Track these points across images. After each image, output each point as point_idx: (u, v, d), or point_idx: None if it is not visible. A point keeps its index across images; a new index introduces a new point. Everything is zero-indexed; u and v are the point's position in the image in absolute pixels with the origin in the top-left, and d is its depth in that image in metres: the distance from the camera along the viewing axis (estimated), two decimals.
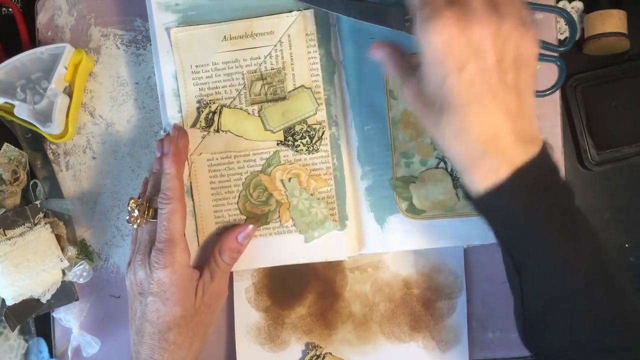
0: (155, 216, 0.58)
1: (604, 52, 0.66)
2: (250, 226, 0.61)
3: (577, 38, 0.66)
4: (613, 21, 0.64)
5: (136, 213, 0.59)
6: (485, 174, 0.46)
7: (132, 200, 0.59)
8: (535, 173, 0.46)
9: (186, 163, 0.62)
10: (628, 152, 0.67)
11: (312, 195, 0.62)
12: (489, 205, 0.47)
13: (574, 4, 0.67)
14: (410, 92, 0.49)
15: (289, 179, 0.61)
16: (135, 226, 0.59)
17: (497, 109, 0.45)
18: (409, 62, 0.51)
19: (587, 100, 0.67)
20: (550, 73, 0.59)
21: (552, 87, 0.58)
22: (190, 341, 0.58)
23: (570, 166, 0.67)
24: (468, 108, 0.45)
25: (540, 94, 0.59)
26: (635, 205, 0.68)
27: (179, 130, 0.61)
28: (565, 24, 0.65)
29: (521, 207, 0.46)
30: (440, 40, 0.44)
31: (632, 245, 0.68)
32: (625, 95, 0.67)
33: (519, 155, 0.45)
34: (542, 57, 0.59)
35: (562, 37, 0.67)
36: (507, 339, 0.67)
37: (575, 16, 0.66)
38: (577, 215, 0.48)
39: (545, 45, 0.58)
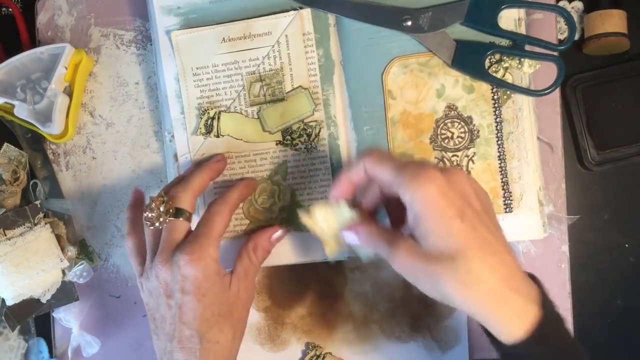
0: (177, 215, 0.55)
1: (604, 52, 0.66)
2: (282, 230, 0.61)
3: (577, 38, 0.66)
4: (613, 21, 0.64)
5: (162, 209, 0.55)
6: (519, 314, 0.45)
7: (155, 198, 0.55)
8: (552, 308, 0.47)
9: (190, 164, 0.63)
10: (628, 152, 0.67)
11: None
12: (530, 353, 0.46)
13: (574, 4, 0.67)
14: (406, 253, 0.47)
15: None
16: (157, 224, 0.55)
17: (502, 247, 0.46)
18: (388, 230, 0.51)
19: (587, 100, 0.67)
20: (550, 73, 0.59)
21: (552, 86, 0.58)
22: (232, 338, 0.55)
23: (570, 166, 0.67)
24: (479, 249, 0.45)
25: (539, 93, 0.59)
26: (635, 205, 0.68)
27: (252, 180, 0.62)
28: (565, 24, 0.65)
29: (556, 351, 0.46)
30: (436, 192, 0.45)
31: (632, 245, 0.68)
32: (625, 95, 0.67)
33: (532, 292, 0.46)
34: (542, 57, 0.59)
35: (562, 37, 0.66)
36: None
37: (575, 16, 0.66)
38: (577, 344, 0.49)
39: (545, 44, 0.58)
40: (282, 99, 0.61)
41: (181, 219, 0.55)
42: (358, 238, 0.52)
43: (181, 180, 0.58)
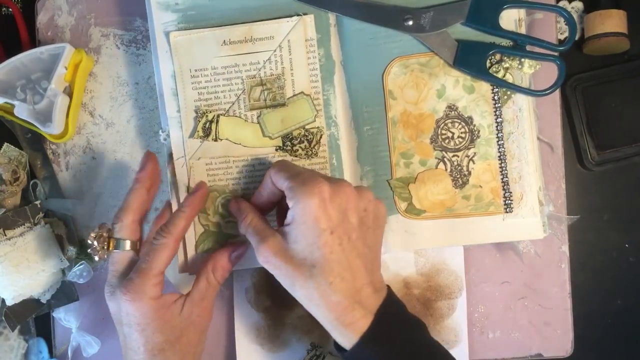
0: (117, 247, 0.56)
1: (604, 52, 0.66)
2: (244, 247, 0.60)
3: (577, 38, 0.66)
4: (613, 21, 0.64)
5: (95, 245, 0.56)
6: (356, 322, 0.50)
7: (92, 233, 0.56)
8: (390, 312, 0.52)
9: (185, 167, 0.61)
10: (628, 152, 0.67)
11: None
12: (362, 355, 0.50)
13: (574, 4, 0.68)
14: (271, 250, 0.51)
15: None
16: (96, 259, 0.57)
17: (360, 266, 0.51)
18: (264, 224, 0.54)
19: (587, 100, 0.67)
20: (550, 73, 0.59)
21: (552, 86, 0.58)
22: None
23: (571, 166, 0.67)
24: (337, 264, 0.50)
25: (540, 93, 0.59)
26: (635, 205, 0.68)
27: (203, 185, 0.61)
28: (565, 24, 0.65)
29: (389, 349, 0.50)
30: (317, 203, 0.49)
31: (632, 245, 0.68)
32: (625, 95, 0.67)
33: (376, 301, 0.51)
34: (542, 57, 0.59)
35: (562, 37, 0.67)
36: (507, 339, 0.67)
37: (575, 16, 0.66)
38: (434, 345, 0.53)
39: (544, 44, 0.58)
40: (283, 104, 0.61)
41: (120, 250, 0.56)
42: (235, 211, 0.58)
43: (127, 200, 0.58)
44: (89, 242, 0.56)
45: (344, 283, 0.50)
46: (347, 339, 0.50)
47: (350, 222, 0.51)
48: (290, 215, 0.51)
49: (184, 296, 0.57)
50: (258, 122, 0.61)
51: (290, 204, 0.51)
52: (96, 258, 0.56)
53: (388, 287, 0.54)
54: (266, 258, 0.51)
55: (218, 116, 0.61)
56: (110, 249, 0.57)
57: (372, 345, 0.50)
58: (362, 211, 0.52)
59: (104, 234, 0.57)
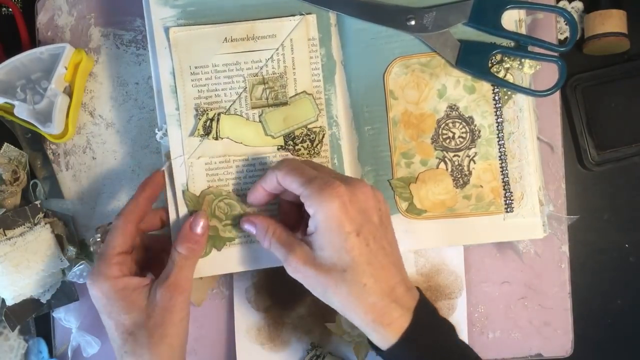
0: None
1: (604, 52, 0.67)
2: (201, 213, 0.59)
3: (577, 38, 0.66)
4: (613, 21, 0.64)
5: (99, 237, 0.60)
6: (395, 322, 0.50)
7: (100, 227, 0.60)
8: (424, 314, 0.52)
9: (183, 166, 0.61)
10: (628, 152, 0.67)
11: None
12: (401, 355, 0.50)
13: (574, 4, 0.68)
14: (300, 260, 0.51)
15: None
16: (98, 251, 0.59)
17: (391, 263, 0.51)
18: (291, 235, 0.54)
19: (587, 100, 0.67)
20: (550, 73, 0.59)
21: (553, 87, 0.58)
22: (150, 347, 0.54)
23: (570, 166, 0.67)
24: (369, 265, 0.50)
25: (540, 94, 0.59)
26: (635, 205, 0.68)
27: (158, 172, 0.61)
28: (566, 24, 0.65)
29: (424, 351, 0.50)
30: (338, 206, 0.49)
31: (632, 245, 0.68)
32: (625, 95, 0.67)
33: (411, 301, 0.51)
34: (544, 58, 0.59)
35: (562, 37, 0.67)
36: (507, 339, 0.67)
37: (575, 16, 0.66)
38: (464, 347, 0.53)
39: (545, 45, 0.58)
40: (285, 103, 0.60)
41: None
42: (254, 229, 0.57)
43: None
44: (91, 249, 0.60)
45: (378, 283, 0.50)
46: (385, 339, 0.50)
47: (373, 222, 0.51)
48: (312, 224, 0.51)
49: (152, 279, 0.57)
50: (260, 121, 0.60)
51: (310, 211, 0.51)
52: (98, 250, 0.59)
53: (418, 288, 0.54)
54: (296, 269, 0.51)
55: (219, 114, 0.60)
56: None
57: (411, 344, 0.50)
58: (378, 210, 0.52)
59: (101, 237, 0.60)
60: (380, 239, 0.51)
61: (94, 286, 0.55)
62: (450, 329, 0.53)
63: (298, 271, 0.51)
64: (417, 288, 0.53)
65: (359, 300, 0.49)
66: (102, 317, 0.56)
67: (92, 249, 0.62)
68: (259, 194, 0.57)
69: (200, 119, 0.60)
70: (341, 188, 0.50)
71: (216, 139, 0.60)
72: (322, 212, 0.49)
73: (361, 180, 0.52)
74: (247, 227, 0.58)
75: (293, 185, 0.52)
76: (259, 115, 0.60)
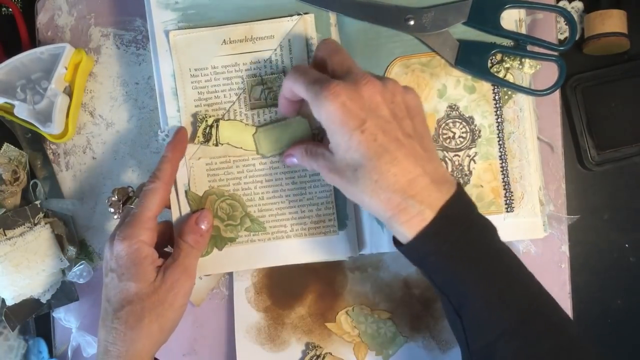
0: (131, 203, 0.60)
1: (604, 52, 0.67)
2: (206, 210, 0.60)
3: (577, 38, 0.66)
4: (613, 21, 0.64)
5: (115, 198, 0.61)
6: (412, 219, 0.48)
7: (115, 189, 0.61)
8: (457, 213, 0.49)
9: (184, 166, 0.61)
10: (628, 152, 0.67)
11: (376, 317, 0.66)
12: (420, 251, 0.49)
13: (574, 4, 0.68)
14: (325, 168, 0.51)
15: (352, 309, 0.67)
16: (111, 210, 0.61)
17: (404, 155, 0.48)
18: (320, 146, 0.53)
19: (587, 100, 0.67)
20: (550, 73, 0.59)
21: (552, 86, 0.58)
22: (143, 321, 0.54)
23: (570, 166, 0.67)
24: (378, 159, 0.47)
25: (540, 93, 0.59)
26: (635, 205, 0.68)
27: (182, 128, 0.61)
28: (566, 24, 0.65)
29: (449, 248, 0.48)
30: (337, 106, 0.47)
31: (632, 245, 0.68)
32: (625, 95, 0.67)
33: (438, 197, 0.48)
34: (543, 57, 0.59)
35: (562, 37, 0.67)
36: None
37: (575, 16, 0.66)
38: (503, 250, 0.50)
39: (545, 44, 0.59)
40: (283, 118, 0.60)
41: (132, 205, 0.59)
42: (296, 160, 0.57)
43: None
44: (110, 194, 0.62)
45: (391, 177, 0.47)
46: (402, 237, 0.49)
47: (381, 116, 0.48)
48: (324, 127, 0.50)
49: (163, 260, 0.57)
50: (253, 139, 0.60)
51: (316, 116, 0.49)
52: (111, 210, 0.61)
53: (459, 184, 0.50)
54: (325, 177, 0.52)
55: (217, 120, 0.60)
56: (129, 204, 0.61)
57: (430, 241, 0.48)
58: (390, 103, 0.49)
59: (126, 191, 0.62)
60: (391, 131, 0.48)
61: (124, 243, 0.55)
62: (488, 228, 0.50)
63: (327, 178, 0.51)
64: (459, 184, 0.50)
65: (373, 197, 0.48)
66: (107, 277, 0.56)
67: (110, 210, 0.62)
68: (283, 105, 0.57)
69: (199, 127, 0.60)
70: (338, 87, 0.48)
71: (216, 145, 0.60)
72: (323, 115, 0.48)
73: (370, 74, 0.50)
74: (288, 161, 0.58)
75: (301, 92, 0.51)
76: (253, 134, 0.60)
